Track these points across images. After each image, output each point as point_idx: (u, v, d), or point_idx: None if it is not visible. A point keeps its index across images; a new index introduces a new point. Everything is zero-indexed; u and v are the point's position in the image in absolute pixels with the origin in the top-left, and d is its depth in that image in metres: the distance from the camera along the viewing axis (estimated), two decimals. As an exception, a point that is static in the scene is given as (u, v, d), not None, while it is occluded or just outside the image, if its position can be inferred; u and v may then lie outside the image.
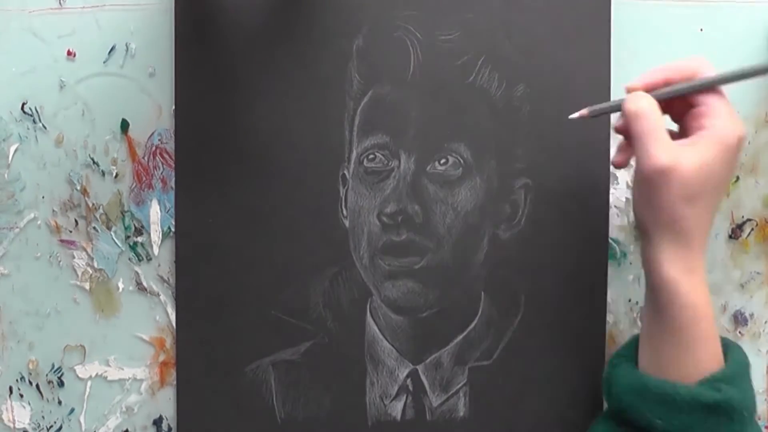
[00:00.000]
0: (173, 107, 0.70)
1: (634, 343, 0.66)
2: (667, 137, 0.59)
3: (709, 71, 0.62)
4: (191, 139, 0.70)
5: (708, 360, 0.61)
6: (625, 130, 0.63)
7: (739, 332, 0.72)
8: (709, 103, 0.61)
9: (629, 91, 0.63)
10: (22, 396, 0.72)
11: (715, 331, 0.62)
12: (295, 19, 0.69)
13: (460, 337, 0.70)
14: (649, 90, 0.62)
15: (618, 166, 0.66)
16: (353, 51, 0.69)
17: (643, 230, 0.62)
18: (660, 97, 0.62)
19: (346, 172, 0.70)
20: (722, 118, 0.60)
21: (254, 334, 0.70)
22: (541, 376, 0.71)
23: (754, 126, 0.72)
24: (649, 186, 0.60)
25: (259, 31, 0.69)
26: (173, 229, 0.70)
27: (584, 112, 0.65)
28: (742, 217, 0.72)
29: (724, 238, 0.72)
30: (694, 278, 0.60)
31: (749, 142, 0.71)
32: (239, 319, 0.70)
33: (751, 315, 0.72)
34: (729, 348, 0.63)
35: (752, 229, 0.72)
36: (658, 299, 0.62)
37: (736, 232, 0.72)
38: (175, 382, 0.71)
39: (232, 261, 0.70)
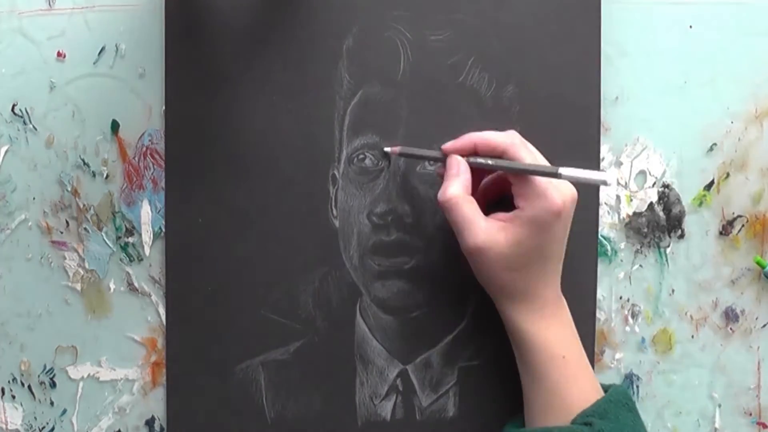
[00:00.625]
0: (163, 108, 0.70)
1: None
2: (480, 219, 0.62)
3: (518, 152, 0.63)
4: (181, 140, 0.70)
5: (581, 399, 0.63)
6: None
7: (730, 329, 0.72)
8: (520, 184, 0.62)
9: (443, 152, 0.66)
10: (14, 397, 0.72)
11: (583, 371, 0.64)
12: (284, 19, 0.69)
13: (450, 336, 0.70)
14: (461, 153, 0.65)
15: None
16: (343, 51, 0.69)
17: (487, 291, 0.66)
18: (472, 165, 0.64)
19: (336, 172, 0.69)
20: (532, 200, 0.61)
21: (244, 334, 0.70)
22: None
23: (743, 122, 0.71)
24: (471, 260, 0.64)
25: (249, 31, 0.69)
26: (164, 230, 0.71)
27: (396, 149, 0.68)
28: (733, 213, 0.72)
29: (715, 235, 0.72)
30: (542, 325, 0.64)
31: (739, 139, 0.71)
32: (229, 318, 0.70)
33: (742, 311, 0.72)
34: (610, 387, 0.65)
35: (743, 226, 0.72)
36: (518, 349, 0.65)
37: (726, 229, 0.72)
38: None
39: (222, 261, 0.70)
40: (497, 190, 0.67)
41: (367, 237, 0.70)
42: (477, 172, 0.65)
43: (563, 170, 0.58)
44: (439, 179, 0.66)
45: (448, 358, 0.70)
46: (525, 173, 0.61)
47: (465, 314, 0.70)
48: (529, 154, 0.63)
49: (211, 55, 0.70)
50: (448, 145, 0.65)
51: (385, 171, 0.69)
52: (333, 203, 0.70)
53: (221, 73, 0.70)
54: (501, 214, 0.63)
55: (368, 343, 0.70)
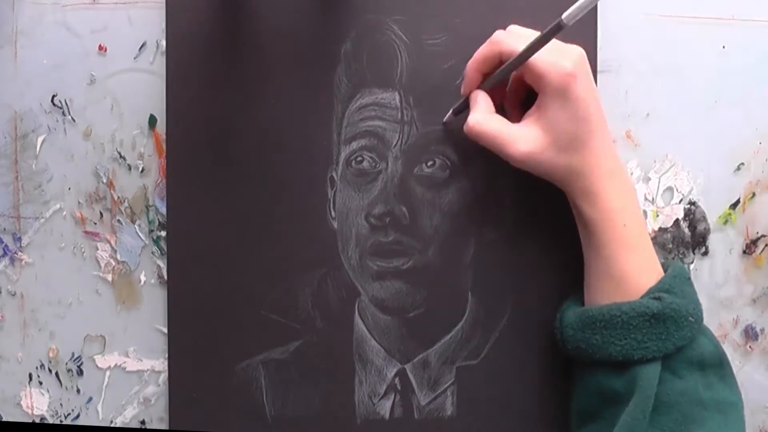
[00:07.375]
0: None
1: (581, 290, 0.67)
2: (509, 127, 0.63)
3: (510, 44, 0.63)
4: (182, 142, 0.71)
5: (641, 273, 0.62)
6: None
7: (750, 347, 0.72)
8: (529, 73, 0.63)
9: (464, 86, 0.67)
10: (41, 383, 0.74)
11: (643, 242, 0.63)
12: (284, 23, 0.70)
13: (448, 336, 0.71)
14: (480, 68, 0.66)
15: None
16: (341, 55, 0.70)
17: (552, 180, 0.65)
18: (492, 84, 0.66)
19: (334, 174, 0.70)
20: (543, 76, 0.61)
21: (244, 334, 0.71)
22: (528, 375, 0.71)
23: (772, 141, 0.72)
24: (526, 167, 0.64)
25: (249, 35, 0.70)
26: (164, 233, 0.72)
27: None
28: (757, 233, 0.72)
29: (738, 254, 0.72)
30: (602, 197, 0.63)
31: (767, 159, 0.72)
32: (229, 318, 0.71)
33: (762, 330, 0.72)
34: (669, 265, 0.64)
35: (766, 245, 0.72)
36: (579, 222, 0.65)
37: (750, 248, 0.72)
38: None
39: (222, 261, 0.71)
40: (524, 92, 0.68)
41: (365, 238, 0.70)
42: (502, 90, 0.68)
43: (565, 17, 0.56)
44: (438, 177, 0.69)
45: (446, 358, 0.71)
46: (530, 54, 0.61)
47: (463, 314, 0.71)
48: (520, 38, 0.63)
49: (211, 58, 0.71)
50: (465, 82, 0.67)
51: (383, 173, 0.70)
52: (331, 205, 0.70)
53: (221, 77, 0.71)
54: (527, 112, 0.65)
55: (367, 342, 0.71)
